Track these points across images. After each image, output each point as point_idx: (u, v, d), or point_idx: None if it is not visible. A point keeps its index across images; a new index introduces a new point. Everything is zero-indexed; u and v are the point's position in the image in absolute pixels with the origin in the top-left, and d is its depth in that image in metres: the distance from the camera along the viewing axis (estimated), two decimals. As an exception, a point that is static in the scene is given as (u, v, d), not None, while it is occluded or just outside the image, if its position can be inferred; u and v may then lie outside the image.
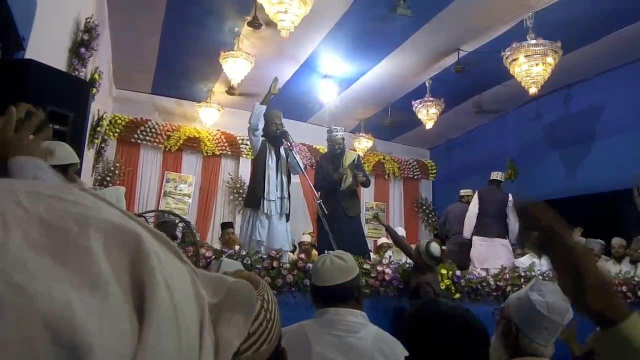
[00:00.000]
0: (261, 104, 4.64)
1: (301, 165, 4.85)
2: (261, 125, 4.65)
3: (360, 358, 1.61)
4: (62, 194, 0.29)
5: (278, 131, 4.72)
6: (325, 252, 1.93)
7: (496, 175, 6.12)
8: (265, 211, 4.56)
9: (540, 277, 4.52)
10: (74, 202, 0.28)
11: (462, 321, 1.25)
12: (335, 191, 5.10)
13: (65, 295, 0.24)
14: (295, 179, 5.20)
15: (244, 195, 5.62)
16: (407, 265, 4.16)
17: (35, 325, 0.22)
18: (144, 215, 4.04)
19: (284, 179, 4.76)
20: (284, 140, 4.73)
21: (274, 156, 4.74)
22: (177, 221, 3.73)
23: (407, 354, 1.30)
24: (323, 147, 9.37)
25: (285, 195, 4.76)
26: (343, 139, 5.38)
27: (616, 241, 5.38)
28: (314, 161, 9.27)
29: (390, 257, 5.40)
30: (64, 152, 2.10)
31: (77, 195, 0.29)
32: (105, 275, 0.26)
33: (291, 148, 4.76)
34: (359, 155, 5.65)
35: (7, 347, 0.22)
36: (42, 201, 0.27)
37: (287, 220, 4.78)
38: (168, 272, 0.29)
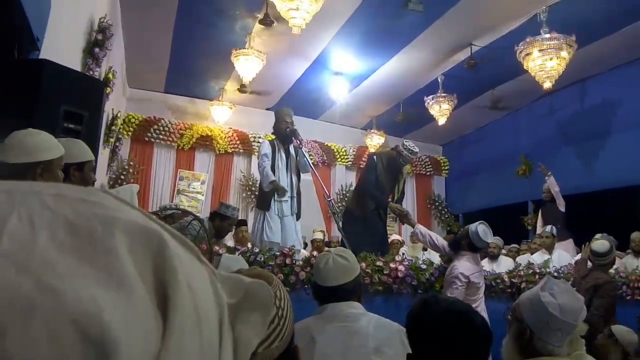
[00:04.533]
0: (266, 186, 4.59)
1: (310, 163, 4.84)
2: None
3: (360, 344, 1.65)
4: (87, 196, 0.29)
5: (288, 129, 4.72)
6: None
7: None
8: (277, 212, 4.57)
9: (556, 274, 4.48)
10: (98, 203, 0.29)
11: (462, 317, 1.26)
12: (378, 203, 4.94)
13: (91, 293, 0.24)
14: (306, 176, 5.19)
15: (256, 194, 5.64)
16: (421, 261, 4.14)
17: (64, 323, 0.23)
18: (157, 213, 4.07)
19: (294, 177, 4.76)
20: (293, 138, 4.73)
21: (283, 155, 4.74)
22: (191, 219, 3.76)
23: (407, 337, 1.33)
24: (335, 144, 9.39)
25: (295, 194, 4.76)
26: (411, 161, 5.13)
27: (636, 235, 5.33)
28: (325, 158, 9.28)
29: (404, 254, 5.37)
30: (79, 150, 2.12)
31: (100, 197, 0.30)
32: (129, 274, 0.26)
33: (300, 146, 4.75)
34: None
35: (38, 345, 0.22)
36: (68, 203, 0.28)
37: (298, 219, 4.78)
38: (189, 273, 0.30)
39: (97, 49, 4.08)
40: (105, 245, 0.26)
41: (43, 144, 1.81)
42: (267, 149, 4.71)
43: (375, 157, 5.27)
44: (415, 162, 10.14)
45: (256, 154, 8.64)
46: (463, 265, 3.66)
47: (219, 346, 0.31)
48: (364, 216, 4.81)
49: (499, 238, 6.16)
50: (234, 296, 0.36)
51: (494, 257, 5.94)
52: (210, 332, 0.30)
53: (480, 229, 3.70)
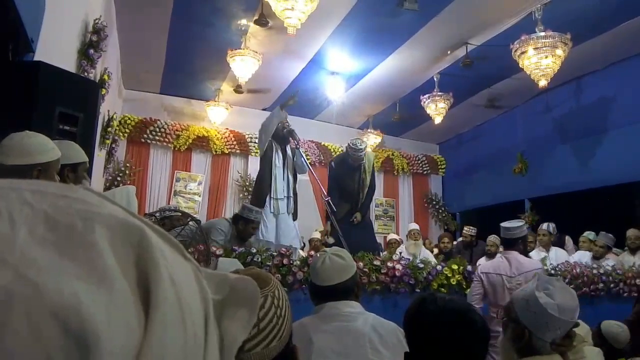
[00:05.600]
0: (281, 109, 4.70)
1: (307, 163, 4.85)
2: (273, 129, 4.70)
3: (358, 343, 1.64)
4: (67, 192, 0.29)
5: (285, 130, 4.72)
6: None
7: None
8: (272, 210, 4.56)
9: (553, 272, 4.49)
10: (78, 199, 0.29)
11: (459, 315, 1.25)
12: (348, 200, 5.04)
13: (72, 287, 0.24)
14: (304, 176, 5.20)
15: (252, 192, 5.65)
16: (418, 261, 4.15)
17: (44, 316, 0.23)
18: (154, 214, 4.07)
19: (290, 177, 4.76)
20: (290, 138, 4.73)
21: (280, 155, 4.75)
22: (187, 220, 3.75)
23: (404, 336, 1.33)
24: (331, 144, 9.39)
25: (292, 194, 4.76)
26: (364, 158, 5.15)
27: (632, 232, 5.34)
28: (322, 158, 9.28)
29: (400, 253, 5.38)
30: (72, 151, 2.12)
31: (81, 193, 0.30)
32: (111, 268, 0.26)
33: (298, 146, 4.75)
34: (373, 158, 5.54)
35: (18, 338, 0.22)
36: (47, 199, 0.28)
37: (295, 218, 4.78)
38: (172, 268, 0.30)
39: (91, 50, 4.06)
40: (85, 240, 0.26)
41: (40, 147, 1.82)
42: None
43: (332, 162, 5.40)
44: (412, 161, 10.17)
45: (253, 154, 8.65)
46: (484, 262, 3.68)
47: (204, 341, 0.30)
48: (339, 219, 4.81)
49: (496, 236, 6.18)
50: (220, 292, 0.35)
51: (490, 255, 5.95)
52: (195, 327, 0.30)
53: (505, 223, 3.78)
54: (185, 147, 8.45)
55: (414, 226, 6.65)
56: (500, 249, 6.26)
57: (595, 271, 4.63)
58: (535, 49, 5.21)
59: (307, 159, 5.37)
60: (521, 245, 3.76)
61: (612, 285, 4.62)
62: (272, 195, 4.59)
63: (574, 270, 4.58)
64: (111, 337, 0.24)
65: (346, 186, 5.05)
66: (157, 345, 0.26)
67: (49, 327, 0.23)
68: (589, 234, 5.76)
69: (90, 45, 4.09)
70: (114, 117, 6.60)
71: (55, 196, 0.28)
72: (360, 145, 4.99)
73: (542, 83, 5.40)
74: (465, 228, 6.90)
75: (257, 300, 0.37)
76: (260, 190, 4.72)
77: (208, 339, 0.31)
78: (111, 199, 0.31)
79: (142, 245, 0.28)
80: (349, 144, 5.07)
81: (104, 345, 0.23)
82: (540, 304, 1.49)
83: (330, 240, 4.81)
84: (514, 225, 3.72)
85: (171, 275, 0.29)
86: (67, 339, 0.23)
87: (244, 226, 4.20)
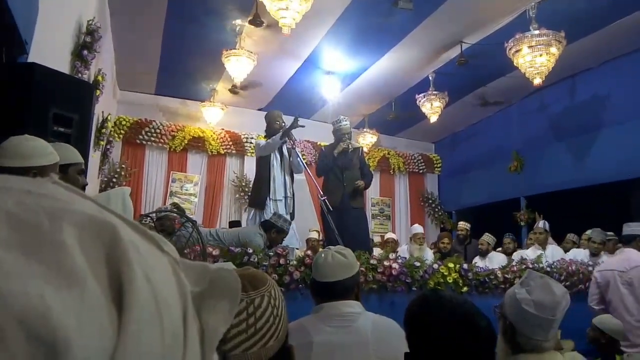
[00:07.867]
0: (280, 139, 4.68)
1: (303, 163, 4.85)
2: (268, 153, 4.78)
3: (359, 345, 1.63)
4: (33, 187, 0.28)
5: (281, 130, 4.74)
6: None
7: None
8: (271, 211, 4.56)
9: (549, 269, 4.51)
10: (45, 195, 0.27)
11: (466, 319, 1.20)
12: (341, 180, 5.05)
13: (39, 292, 0.23)
14: (300, 176, 5.21)
15: (249, 194, 5.65)
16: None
17: (10, 323, 0.22)
18: (150, 215, 4.06)
19: (288, 178, 4.77)
20: (287, 138, 4.73)
21: (278, 155, 4.76)
22: (183, 220, 3.75)
23: (405, 334, 1.28)
24: (327, 144, 9.37)
25: (290, 194, 4.76)
26: (350, 130, 5.31)
27: None
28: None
29: (397, 252, 5.38)
30: (64, 152, 2.11)
31: (48, 189, 0.28)
32: (80, 269, 0.25)
33: (294, 146, 4.76)
34: (362, 148, 5.70)
35: None
36: (11, 196, 0.26)
37: (292, 218, 4.78)
38: (147, 263, 0.28)
39: (85, 52, 4.05)
40: (53, 240, 0.25)
41: (38, 150, 1.83)
42: (263, 143, 4.82)
43: (323, 147, 5.66)
44: (408, 160, 10.18)
45: (249, 154, 8.64)
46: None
47: (183, 336, 0.30)
48: (334, 206, 4.81)
49: (488, 234, 6.20)
50: (199, 284, 0.34)
51: (483, 254, 5.98)
52: (173, 323, 0.29)
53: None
54: (181, 147, 8.43)
55: (419, 229, 6.40)
56: (490, 248, 6.29)
57: (590, 268, 4.65)
58: (529, 47, 5.23)
59: (303, 159, 5.39)
60: None
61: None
62: (271, 197, 4.60)
63: (570, 268, 4.60)
64: (82, 341, 0.23)
65: (335, 162, 5.10)
66: (132, 344, 0.25)
67: (15, 335, 0.22)
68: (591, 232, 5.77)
69: (84, 47, 4.07)
70: (109, 118, 6.58)
71: (20, 193, 0.27)
72: (345, 118, 5.36)
73: (537, 81, 5.42)
74: (460, 223, 6.92)
75: (237, 290, 0.36)
76: (259, 192, 4.72)
77: (187, 333, 0.30)
78: (83, 193, 0.30)
79: (113, 242, 0.27)
80: (334, 121, 5.37)
81: (75, 351, 0.22)
82: (516, 300, 1.50)
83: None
84: (636, 223, 4.00)
85: (145, 271, 0.28)
86: (35, 346, 0.22)
87: (275, 235, 4.23)
